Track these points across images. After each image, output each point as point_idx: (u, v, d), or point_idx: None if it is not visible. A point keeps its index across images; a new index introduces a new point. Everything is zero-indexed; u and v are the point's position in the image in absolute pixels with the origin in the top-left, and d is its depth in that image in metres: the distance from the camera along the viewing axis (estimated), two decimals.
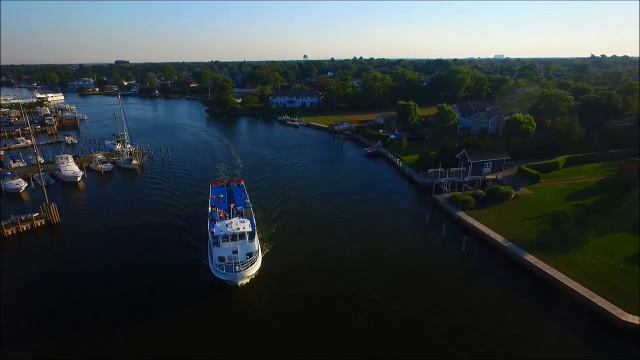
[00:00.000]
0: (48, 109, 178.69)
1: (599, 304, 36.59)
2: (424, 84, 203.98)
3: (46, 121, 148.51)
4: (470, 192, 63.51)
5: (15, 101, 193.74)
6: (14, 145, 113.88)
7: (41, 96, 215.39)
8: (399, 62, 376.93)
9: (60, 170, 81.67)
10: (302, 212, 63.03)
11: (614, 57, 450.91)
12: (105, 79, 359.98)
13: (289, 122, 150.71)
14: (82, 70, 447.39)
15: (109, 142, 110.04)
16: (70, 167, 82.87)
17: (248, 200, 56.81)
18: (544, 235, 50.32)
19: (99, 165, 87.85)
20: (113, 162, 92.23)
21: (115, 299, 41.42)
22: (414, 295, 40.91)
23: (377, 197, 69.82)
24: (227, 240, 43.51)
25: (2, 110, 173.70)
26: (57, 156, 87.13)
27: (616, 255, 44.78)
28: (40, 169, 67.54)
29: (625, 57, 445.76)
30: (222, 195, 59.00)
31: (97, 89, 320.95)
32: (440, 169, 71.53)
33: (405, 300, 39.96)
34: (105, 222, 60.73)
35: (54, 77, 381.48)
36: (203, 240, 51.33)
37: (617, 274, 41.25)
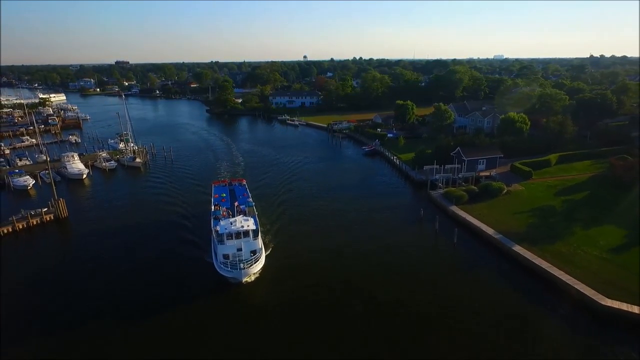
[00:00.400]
0: (51, 109, 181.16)
1: (581, 289, 38.82)
2: (423, 84, 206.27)
3: (49, 121, 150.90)
4: (463, 188, 65.77)
5: (19, 101, 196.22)
6: (19, 144, 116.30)
7: (44, 96, 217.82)
8: (399, 63, 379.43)
9: (66, 168, 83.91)
10: (303, 209, 64.72)
11: (612, 57, 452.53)
12: (105, 79, 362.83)
13: (289, 121, 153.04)
14: (83, 71, 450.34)
15: (112, 141, 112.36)
16: (76, 165, 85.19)
17: (250, 199, 57.44)
18: (533, 228, 52.59)
19: (104, 164, 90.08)
20: (117, 161, 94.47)
21: (116, 298, 41.78)
22: (407, 285, 43.05)
23: (374, 193, 72.06)
24: (232, 238, 44.30)
25: (5, 110, 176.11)
26: (63, 154, 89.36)
27: (600, 246, 47.03)
28: (47, 167, 69.72)
29: (624, 57, 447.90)
30: (224, 195, 59.62)
31: (98, 90, 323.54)
32: (435, 166, 73.75)
33: (398, 293, 41.81)
34: (110, 218, 62.79)
35: (55, 77, 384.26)
36: (206, 237, 52.51)
37: (600, 263, 43.51)
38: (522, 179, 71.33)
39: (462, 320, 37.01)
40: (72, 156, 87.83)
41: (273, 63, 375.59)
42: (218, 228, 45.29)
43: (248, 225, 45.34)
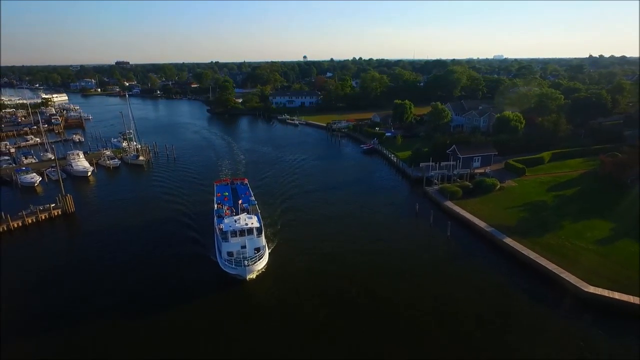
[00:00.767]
0: (53, 109, 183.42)
1: (566, 278, 40.89)
2: (422, 84, 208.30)
3: (52, 120, 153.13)
4: (458, 184, 67.83)
5: (22, 101, 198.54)
6: (23, 143, 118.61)
7: (46, 96, 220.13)
8: (398, 63, 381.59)
9: (71, 166, 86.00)
10: (304, 206, 66.24)
11: (612, 57, 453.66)
12: (106, 79, 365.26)
13: (289, 120, 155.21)
14: (83, 71, 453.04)
15: (115, 139, 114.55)
16: (81, 163, 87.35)
17: (253, 198, 57.63)
18: (524, 222, 54.67)
19: (108, 161, 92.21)
20: (121, 159, 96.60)
21: (118, 295, 42.23)
22: (404, 276, 45.08)
23: (372, 189, 74.17)
24: (236, 236, 44.87)
25: (9, 110, 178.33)
26: (68, 152, 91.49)
27: (587, 238, 49.13)
28: (53, 164, 71.80)
29: (623, 57, 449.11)
30: (227, 194, 59.66)
31: (99, 90, 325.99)
32: (431, 163, 75.78)
33: (396, 284, 43.68)
34: (114, 214, 64.81)
35: (56, 78, 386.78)
36: (208, 234, 53.75)
37: (585, 254, 45.59)
38: (515, 176, 73.44)
39: (455, 311, 38.91)
40: (78, 154, 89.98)
41: (273, 63, 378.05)
42: (222, 226, 45.89)
43: (252, 223, 46.10)
